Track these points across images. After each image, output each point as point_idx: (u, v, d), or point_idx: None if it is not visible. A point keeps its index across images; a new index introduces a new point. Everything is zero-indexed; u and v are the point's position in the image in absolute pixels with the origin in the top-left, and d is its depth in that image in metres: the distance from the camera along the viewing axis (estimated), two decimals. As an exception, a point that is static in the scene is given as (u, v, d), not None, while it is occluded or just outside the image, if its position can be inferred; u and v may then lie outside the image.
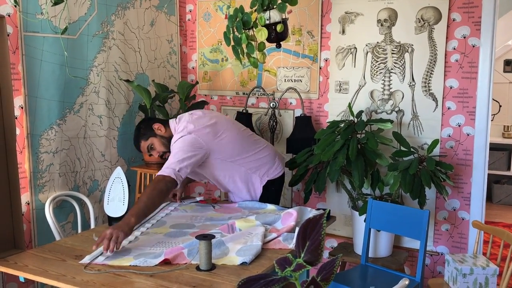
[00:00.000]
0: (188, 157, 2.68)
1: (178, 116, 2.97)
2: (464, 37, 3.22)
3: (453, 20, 3.24)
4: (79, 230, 3.11)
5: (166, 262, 2.10)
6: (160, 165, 3.48)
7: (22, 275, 2.06)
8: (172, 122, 2.94)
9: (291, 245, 2.32)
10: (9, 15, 2.82)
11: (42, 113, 3.02)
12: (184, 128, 2.81)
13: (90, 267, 2.06)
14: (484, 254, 3.45)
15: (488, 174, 3.41)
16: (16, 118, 2.89)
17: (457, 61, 3.26)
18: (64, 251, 2.26)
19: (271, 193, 3.09)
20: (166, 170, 2.59)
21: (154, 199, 2.47)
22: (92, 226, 3.18)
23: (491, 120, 3.50)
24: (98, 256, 2.16)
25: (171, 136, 2.88)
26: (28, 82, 2.94)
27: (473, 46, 3.21)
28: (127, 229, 2.27)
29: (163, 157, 2.94)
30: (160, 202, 2.52)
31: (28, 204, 3.00)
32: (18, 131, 2.91)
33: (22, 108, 2.93)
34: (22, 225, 2.86)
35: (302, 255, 1.21)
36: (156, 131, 2.91)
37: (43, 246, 2.37)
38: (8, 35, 2.81)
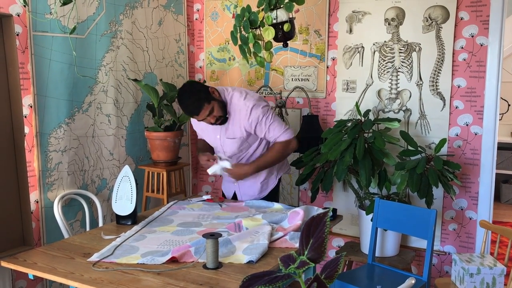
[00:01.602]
0: (278, 117, 2.97)
1: (218, 87, 3.00)
2: (472, 36, 3.21)
3: (461, 19, 3.23)
4: (88, 228, 3.14)
5: (173, 260, 2.12)
6: (167, 163, 3.51)
7: (31, 273, 2.08)
8: (219, 90, 2.96)
9: (298, 244, 2.33)
10: (18, 15, 2.84)
11: (51, 112, 3.05)
12: (247, 95, 2.93)
13: (98, 265, 2.08)
14: (492, 254, 3.44)
15: (496, 173, 3.39)
16: (26, 117, 2.92)
17: (465, 60, 3.25)
18: (73, 249, 2.28)
19: (276, 188, 3.21)
20: (286, 134, 2.92)
21: (279, 159, 3.02)
22: (100, 224, 3.20)
23: (499, 120, 3.49)
24: (108, 256, 2.18)
25: (223, 102, 2.91)
26: (37, 81, 2.96)
27: (481, 45, 3.19)
28: (244, 175, 2.96)
29: (216, 123, 2.90)
30: (281, 161, 3.06)
31: (37, 202, 3.03)
32: (27, 130, 2.94)
33: (31, 107, 2.96)
34: (31, 223, 2.88)
35: (306, 252, 1.21)
36: (213, 95, 2.86)
37: (51, 244, 2.39)
38: (17, 34, 2.83)
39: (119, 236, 2.43)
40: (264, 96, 3.97)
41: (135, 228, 2.55)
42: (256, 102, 2.90)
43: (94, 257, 2.16)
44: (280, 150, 2.96)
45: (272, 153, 2.97)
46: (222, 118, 2.90)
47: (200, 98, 2.78)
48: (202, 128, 3.12)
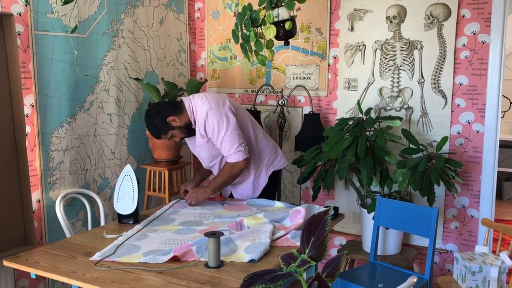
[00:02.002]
0: (234, 128, 2.86)
1: (186, 98, 2.99)
2: (474, 34, 3.20)
3: (463, 16, 3.22)
4: (89, 227, 3.14)
5: (175, 259, 2.12)
6: (169, 162, 3.51)
7: (33, 272, 2.09)
8: (186, 102, 2.95)
9: (299, 242, 2.33)
10: (20, 14, 2.84)
11: (52, 111, 3.05)
12: (205, 101, 2.89)
13: (100, 264, 2.08)
14: (494, 252, 3.43)
15: (498, 171, 3.38)
16: (27, 116, 2.92)
17: (466, 57, 3.24)
18: (75, 248, 2.28)
19: (274, 184, 3.22)
20: (237, 155, 2.84)
21: (230, 180, 2.95)
22: (102, 223, 3.20)
23: (501, 117, 3.48)
24: (109, 255, 2.18)
25: (188, 121, 2.93)
26: (39, 81, 2.96)
27: (483, 43, 3.19)
28: (202, 198, 2.93)
29: (183, 140, 3.13)
30: (233, 181, 2.99)
31: (39, 201, 3.04)
32: (29, 129, 2.94)
33: (33, 106, 2.96)
34: (33, 222, 2.88)
35: (307, 251, 1.22)
36: (172, 124, 2.92)
37: (53, 243, 2.40)
38: (19, 34, 2.84)
39: (121, 235, 2.44)
40: (266, 95, 3.97)
41: (137, 227, 2.56)
42: (212, 105, 2.87)
43: (96, 256, 2.16)
44: (227, 171, 2.91)
45: (222, 174, 2.93)
46: (186, 137, 3.04)
47: (157, 131, 2.94)
48: (190, 144, 3.20)
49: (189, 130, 2.96)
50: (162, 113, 2.92)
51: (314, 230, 1.23)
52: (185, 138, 3.09)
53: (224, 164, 2.96)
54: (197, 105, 2.92)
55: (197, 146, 3.02)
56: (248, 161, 2.94)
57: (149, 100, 3.68)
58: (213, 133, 2.86)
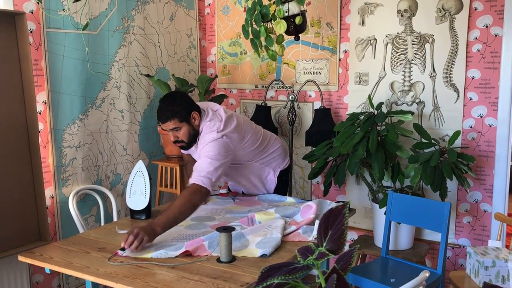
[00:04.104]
0: (223, 163, 2.58)
1: (206, 109, 2.79)
2: (486, 27, 3.17)
3: (475, 9, 3.19)
4: (102, 223, 3.17)
5: (187, 254, 2.13)
6: (180, 158, 3.52)
7: (47, 267, 2.11)
8: (203, 113, 2.75)
9: (311, 237, 2.33)
10: (32, 12, 2.87)
11: (65, 108, 3.08)
12: (216, 128, 2.67)
13: (113, 259, 2.10)
14: (507, 246, 3.40)
15: (511, 165, 3.36)
16: (40, 113, 2.95)
17: (479, 51, 3.21)
18: (88, 244, 2.30)
19: (284, 182, 3.17)
20: (204, 180, 2.48)
21: (186, 212, 2.39)
22: (115, 219, 3.23)
23: (515, 111, 3.44)
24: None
25: (197, 129, 2.72)
26: (51, 78, 2.99)
27: (496, 36, 3.15)
28: (152, 236, 2.23)
29: (176, 142, 2.75)
30: (190, 214, 2.43)
31: (52, 197, 3.07)
32: (41, 126, 2.97)
33: (45, 103, 2.99)
34: (47, 218, 2.92)
35: (325, 244, 1.22)
36: (191, 120, 2.69)
37: (67, 238, 2.42)
38: (31, 31, 2.86)
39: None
40: (276, 90, 3.97)
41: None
42: (214, 140, 2.63)
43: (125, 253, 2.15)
44: (187, 197, 2.41)
45: (179, 202, 2.39)
46: (183, 144, 2.73)
47: (175, 112, 2.62)
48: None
49: (193, 138, 2.74)
50: (191, 105, 2.71)
51: (332, 223, 1.23)
52: (182, 149, 2.86)
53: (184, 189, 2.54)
54: (206, 128, 2.70)
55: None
56: (206, 199, 2.64)
57: (160, 97, 3.69)
58: (204, 152, 2.62)
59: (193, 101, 2.76)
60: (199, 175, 2.50)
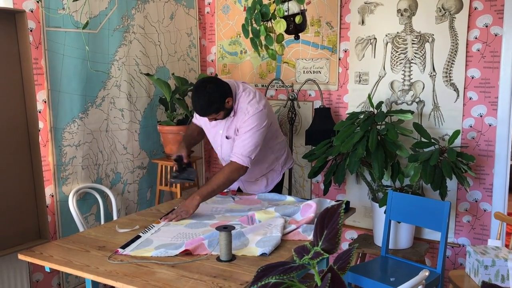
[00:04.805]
0: (261, 139, 2.77)
1: (235, 83, 2.87)
2: (486, 26, 3.17)
3: (475, 8, 3.19)
4: (102, 222, 3.17)
5: (187, 253, 2.13)
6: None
7: (47, 265, 2.11)
8: (233, 89, 2.82)
9: (311, 236, 2.33)
10: (32, 11, 2.87)
11: (64, 107, 3.08)
12: (253, 98, 2.78)
13: (113, 258, 2.10)
14: (507, 245, 3.41)
15: (511, 165, 3.36)
16: (40, 112, 2.95)
17: (478, 50, 3.21)
18: (88, 242, 2.31)
19: (280, 183, 3.21)
20: (245, 159, 2.71)
21: (223, 187, 2.74)
22: (115, 217, 3.23)
23: (514, 110, 3.44)
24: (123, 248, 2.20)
25: (232, 106, 2.79)
26: (51, 77, 2.99)
27: (496, 35, 3.16)
28: (192, 206, 2.61)
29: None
30: (226, 188, 2.81)
31: (52, 196, 3.07)
32: (41, 125, 2.97)
33: (45, 102, 2.99)
34: (47, 216, 2.92)
35: (320, 243, 1.22)
36: (226, 105, 2.75)
37: (67, 237, 2.42)
38: (31, 30, 2.86)
39: (133, 229, 2.46)
40: (276, 89, 3.97)
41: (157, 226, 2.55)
42: (261, 107, 2.76)
43: (127, 251, 2.17)
44: (226, 174, 2.71)
45: (219, 176, 2.71)
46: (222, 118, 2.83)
47: (211, 105, 2.69)
48: (205, 122, 3.00)
49: (229, 114, 2.83)
50: (223, 93, 2.73)
51: (327, 223, 1.23)
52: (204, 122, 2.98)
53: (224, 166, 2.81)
54: (243, 98, 2.79)
55: (226, 139, 2.90)
56: (244, 174, 2.80)
57: (160, 96, 3.70)
58: (245, 128, 2.74)
59: (224, 85, 2.77)
60: (241, 154, 2.72)
